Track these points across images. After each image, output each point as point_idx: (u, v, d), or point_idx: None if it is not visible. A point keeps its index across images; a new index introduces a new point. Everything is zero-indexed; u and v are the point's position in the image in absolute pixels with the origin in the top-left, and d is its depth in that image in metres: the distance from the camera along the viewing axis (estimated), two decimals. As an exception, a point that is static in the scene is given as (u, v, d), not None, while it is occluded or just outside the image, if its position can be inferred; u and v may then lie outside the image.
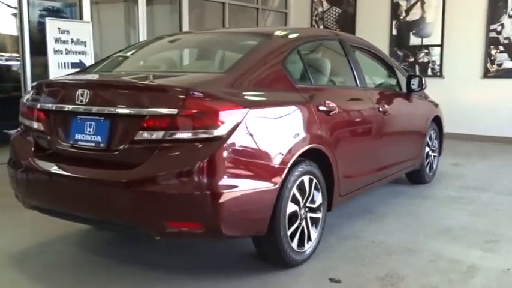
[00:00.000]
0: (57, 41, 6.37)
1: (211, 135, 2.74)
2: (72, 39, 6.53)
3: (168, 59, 4.02)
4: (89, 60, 6.70)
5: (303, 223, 3.31)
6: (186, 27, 8.50)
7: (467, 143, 8.54)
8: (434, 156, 5.77)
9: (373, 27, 9.81)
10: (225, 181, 2.74)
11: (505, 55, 8.77)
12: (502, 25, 8.76)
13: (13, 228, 4.15)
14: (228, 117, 2.78)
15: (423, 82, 4.91)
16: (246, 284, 3.11)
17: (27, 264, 3.44)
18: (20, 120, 3.53)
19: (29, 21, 6.65)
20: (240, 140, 2.82)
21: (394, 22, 9.77)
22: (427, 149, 5.52)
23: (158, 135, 2.78)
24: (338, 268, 3.34)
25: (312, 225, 3.40)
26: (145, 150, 2.81)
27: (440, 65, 9.34)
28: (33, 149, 3.28)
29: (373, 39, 4.94)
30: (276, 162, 3.02)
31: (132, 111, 2.86)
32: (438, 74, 9.29)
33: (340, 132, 3.69)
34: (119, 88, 3.05)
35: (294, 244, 3.24)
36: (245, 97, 3.00)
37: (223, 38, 4.21)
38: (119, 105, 2.91)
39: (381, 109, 4.32)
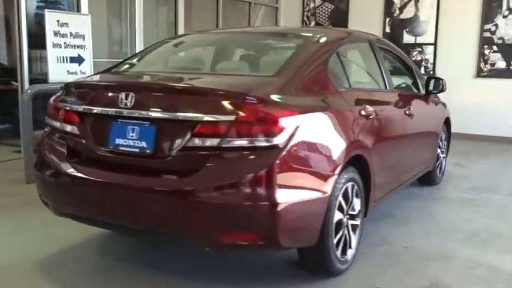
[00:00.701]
0: (56, 34, 6.11)
1: (270, 143, 2.63)
2: (71, 32, 6.28)
3: (202, 60, 3.88)
4: (87, 55, 6.47)
5: (345, 231, 3.24)
6: (181, 20, 8.30)
7: (461, 142, 8.60)
8: (443, 157, 5.79)
9: (366, 24, 9.74)
10: (283, 191, 2.65)
11: (499, 55, 8.87)
12: (496, 25, 8.85)
13: (27, 234, 3.96)
14: (287, 124, 2.68)
15: (444, 84, 4.89)
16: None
17: (54, 273, 3.28)
18: (47, 121, 3.35)
19: (26, 12, 6.36)
20: (296, 147, 2.72)
21: (388, 19, 9.77)
22: (438, 150, 5.52)
23: (213, 142, 2.65)
24: (379, 276, 3.28)
25: (352, 232, 3.33)
26: (198, 157, 2.68)
27: (434, 63, 9.40)
28: (66, 153, 3.11)
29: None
30: (327, 169, 2.94)
31: (183, 117, 2.72)
32: (431, 72, 9.33)
33: (376, 137, 3.62)
34: (169, 92, 2.90)
35: (339, 252, 3.17)
36: (298, 102, 2.89)
37: (255, 39, 4.09)
38: (168, 110, 2.77)
39: (407, 112, 4.28)
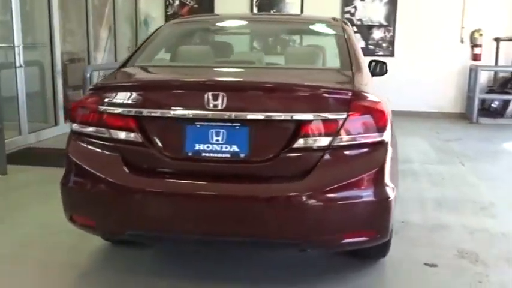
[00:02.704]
0: None
1: (379, 139, 2.64)
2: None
3: (250, 51, 3.62)
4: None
5: None
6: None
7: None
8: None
9: (233, 4, 9.81)
10: (391, 185, 2.69)
11: (358, 35, 9.72)
12: (355, 7, 9.68)
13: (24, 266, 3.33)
14: (388, 118, 2.70)
15: (386, 67, 5.24)
16: (355, 280, 3.11)
17: None
18: (74, 128, 2.83)
19: None
20: (391, 141, 2.76)
21: (255, 0, 9.97)
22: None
23: (324, 142, 2.56)
24: (413, 252, 3.51)
25: None
26: (307, 159, 2.57)
27: (300, 43, 9.89)
28: (124, 164, 2.67)
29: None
30: (395, 158, 3.03)
31: (288, 117, 2.56)
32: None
33: None
34: (269, 91, 2.68)
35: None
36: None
37: (287, 27, 4.04)
38: (269, 110, 2.58)
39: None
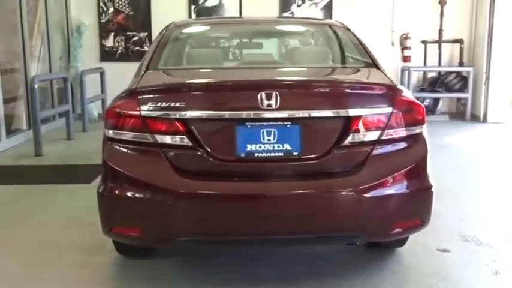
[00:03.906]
0: None
1: (419, 131, 2.79)
2: None
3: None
4: None
5: None
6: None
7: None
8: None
9: (171, 11, 9.67)
10: (431, 175, 2.84)
11: (296, 40, 9.97)
12: (292, 13, 9.94)
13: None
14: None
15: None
16: (384, 270, 3.22)
17: None
18: (110, 134, 2.72)
19: None
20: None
21: (193, 7, 9.92)
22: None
23: (373, 136, 2.67)
24: (421, 240, 3.67)
25: None
26: (359, 153, 2.67)
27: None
28: (173, 169, 2.60)
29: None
30: None
31: (339, 113, 2.65)
32: (239, 58, 9.92)
33: None
34: (321, 88, 2.75)
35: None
36: None
37: (298, 28, 4.25)
38: (319, 108, 2.64)
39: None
